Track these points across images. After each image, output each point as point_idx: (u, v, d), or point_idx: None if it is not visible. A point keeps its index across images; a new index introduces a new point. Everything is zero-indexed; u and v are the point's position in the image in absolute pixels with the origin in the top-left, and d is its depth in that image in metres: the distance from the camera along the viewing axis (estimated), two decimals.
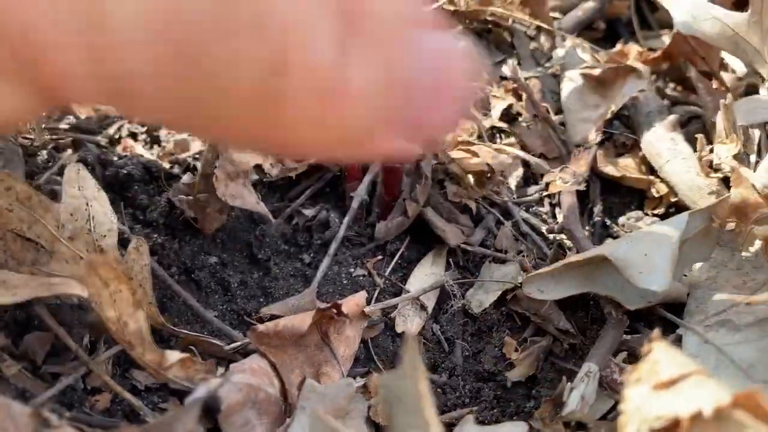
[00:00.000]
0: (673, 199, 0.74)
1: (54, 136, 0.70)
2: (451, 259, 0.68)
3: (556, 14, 0.98)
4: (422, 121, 0.30)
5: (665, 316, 0.61)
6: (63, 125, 0.74)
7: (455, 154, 0.74)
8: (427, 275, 0.66)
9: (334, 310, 0.56)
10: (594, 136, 0.77)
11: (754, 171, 0.68)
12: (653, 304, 0.60)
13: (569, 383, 0.53)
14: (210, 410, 0.46)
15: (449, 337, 0.63)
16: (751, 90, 0.84)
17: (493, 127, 0.80)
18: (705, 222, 0.61)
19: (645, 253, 0.57)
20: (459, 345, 0.62)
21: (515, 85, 0.82)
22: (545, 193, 0.75)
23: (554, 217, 0.74)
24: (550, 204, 0.75)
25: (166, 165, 0.70)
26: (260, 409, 0.48)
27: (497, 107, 0.80)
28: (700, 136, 0.73)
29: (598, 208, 0.75)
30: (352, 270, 0.65)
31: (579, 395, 0.51)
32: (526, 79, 0.84)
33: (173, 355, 0.51)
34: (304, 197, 0.71)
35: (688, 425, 0.33)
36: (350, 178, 0.70)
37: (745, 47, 0.75)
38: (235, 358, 0.55)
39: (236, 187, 0.64)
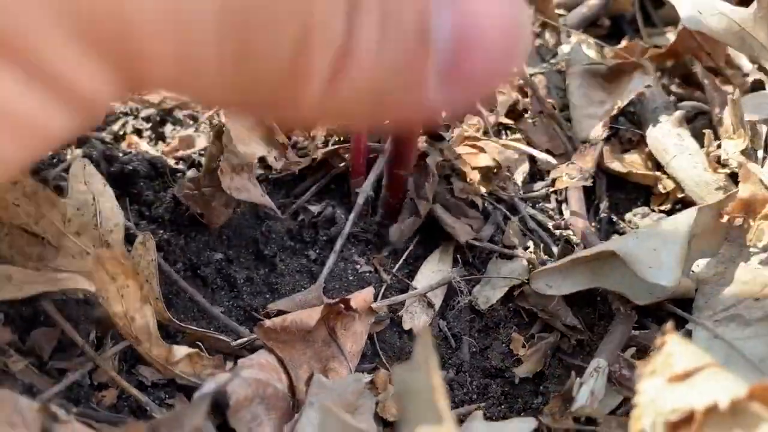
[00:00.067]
0: (679, 195, 0.74)
1: None
2: (458, 256, 0.68)
3: (561, 11, 0.97)
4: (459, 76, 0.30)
5: (674, 312, 0.61)
6: None
7: (461, 150, 0.73)
8: (434, 272, 0.66)
9: (342, 305, 0.55)
10: (600, 132, 0.77)
11: (762, 166, 0.68)
12: (661, 299, 0.60)
13: (578, 378, 0.53)
14: (218, 406, 0.46)
15: (456, 333, 0.63)
16: (757, 86, 0.84)
17: (499, 124, 0.79)
18: (713, 217, 0.61)
19: (654, 248, 0.56)
20: (466, 341, 0.62)
21: (521, 82, 0.82)
22: (552, 189, 0.74)
23: (561, 213, 0.74)
24: (557, 200, 0.74)
25: (171, 161, 0.70)
26: (268, 404, 0.48)
27: (503, 103, 0.80)
28: (707, 132, 0.73)
29: (604, 204, 0.75)
30: (359, 266, 0.65)
31: (588, 390, 0.51)
32: (531, 75, 0.83)
33: (181, 351, 0.51)
34: (310, 193, 0.71)
35: (704, 418, 0.33)
36: (355, 174, 0.69)
37: (751, 43, 0.75)
38: (241, 353, 0.55)
39: (241, 181, 0.63)
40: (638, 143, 0.79)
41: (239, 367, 0.49)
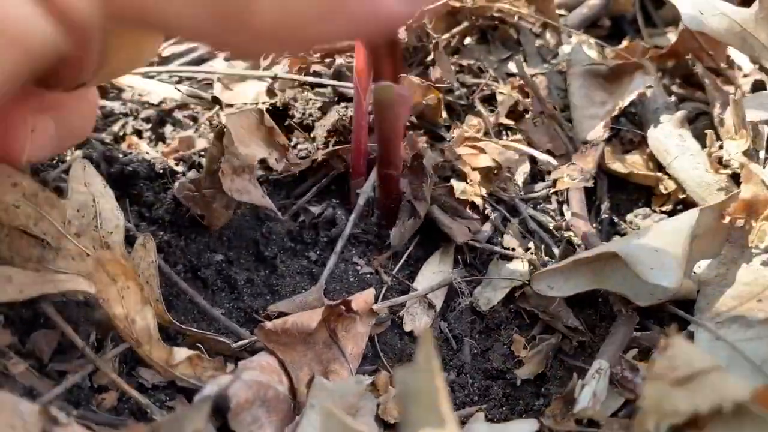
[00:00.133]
0: (681, 196, 0.74)
1: None
2: (458, 257, 0.67)
3: (562, 11, 0.97)
4: None
5: (675, 313, 0.60)
6: None
7: (461, 150, 0.73)
8: (434, 273, 0.66)
9: (343, 307, 0.55)
10: (601, 133, 0.76)
11: (764, 167, 0.68)
12: (663, 300, 0.59)
13: (580, 380, 0.53)
14: (219, 408, 0.45)
15: (457, 334, 0.63)
16: (758, 86, 0.84)
17: (499, 124, 0.79)
18: (715, 218, 0.61)
19: (655, 250, 0.56)
20: (467, 343, 0.62)
21: (522, 82, 0.82)
22: (552, 190, 0.74)
23: (562, 213, 0.73)
24: (558, 201, 0.74)
25: (171, 162, 0.70)
26: (269, 406, 0.48)
27: (504, 104, 0.80)
28: (709, 132, 0.73)
29: (605, 205, 0.75)
30: (360, 268, 0.65)
31: (590, 392, 0.51)
32: (532, 75, 0.83)
33: (181, 353, 0.50)
34: (310, 195, 0.71)
35: (708, 421, 0.32)
36: (355, 175, 0.69)
37: (752, 43, 0.74)
38: (242, 355, 0.55)
39: (242, 182, 0.63)
40: (639, 144, 0.79)
41: (240, 370, 0.48)
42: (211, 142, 0.63)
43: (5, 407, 0.40)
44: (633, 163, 0.77)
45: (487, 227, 0.70)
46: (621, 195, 0.77)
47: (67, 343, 0.51)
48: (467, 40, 0.89)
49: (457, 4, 0.84)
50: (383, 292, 0.64)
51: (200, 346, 0.54)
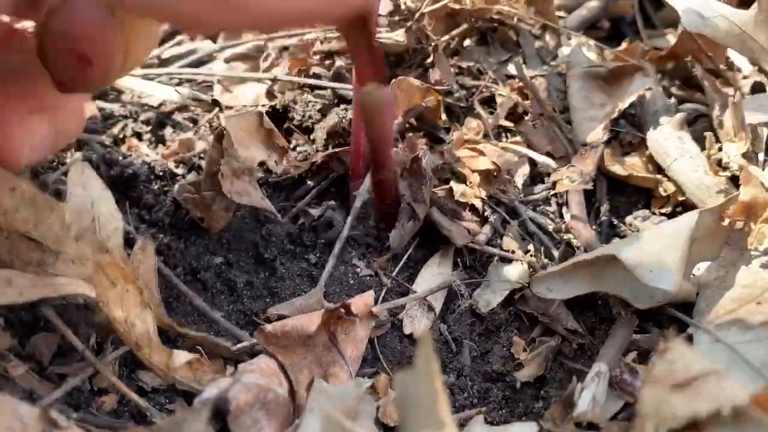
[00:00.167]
0: (680, 198, 0.74)
1: None
2: (458, 259, 0.67)
3: (561, 13, 0.97)
4: None
5: (675, 316, 0.60)
6: None
7: (461, 153, 0.73)
8: (434, 275, 0.66)
9: (343, 310, 0.55)
10: (600, 135, 0.76)
11: (763, 169, 0.68)
12: (662, 303, 0.59)
13: (579, 383, 0.53)
14: (219, 411, 0.45)
15: (457, 337, 0.63)
16: (757, 88, 0.84)
17: (499, 126, 0.79)
18: (714, 221, 0.61)
19: (655, 253, 0.56)
20: (467, 345, 0.62)
21: (521, 84, 0.82)
22: (552, 192, 0.74)
23: (561, 216, 0.73)
24: (557, 203, 0.74)
25: (171, 164, 0.70)
26: (269, 409, 0.48)
27: (503, 106, 0.80)
28: (708, 135, 0.73)
29: (604, 207, 0.75)
30: (359, 270, 0.65)
31: (590, 396, 0.51)
32: (531, 77, 0.83)
33: (181, 357, 0.50)
34: (310, 197, 0.71)
35: (707, 425, 0.32)
36: (354, 177, 0.69)
37: (751, 45, 0.74)
38: (242, 358, 0.55)
39: (242, 184, 0.63)
40: (639, 146, 0.79)
41: (240, 373, 0.48)
42: (211, 145, 0.63)
43: (5, 410, 0.40)
44: (632, 165, 0.77)
45: (486, 229, 0.70)
46: (620, 197, 0.77)
47: (67, 346, 0.51)
48: (466, 42, 0.89)
49: (457, 6, 0.84)
50: (383, 294, 0.64)
51: (200, 349, 0.54)
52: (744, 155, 0.69)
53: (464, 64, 0.85)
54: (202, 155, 0.71)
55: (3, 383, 0.47)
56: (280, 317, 0.57)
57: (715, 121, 0.78)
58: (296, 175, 0.72)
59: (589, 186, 0.73)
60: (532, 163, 0.76)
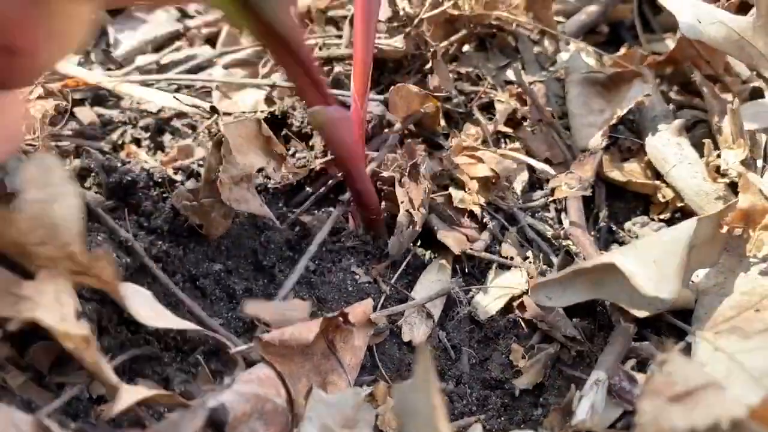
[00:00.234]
0: (679, 205, 0.74)
1: (57, 143, 0.69)
2: (457, 266, 0.67)
3: (560, 18, 0.97)
4: None
5: (673, 323, 0.61)
6: (66, 131, 0.73)
7: (460, 159, 0.73)
8: (432, 282, 0.66)
9: (341, 318, 0.55)
10: (599, 141, 0.76)
11: (762, 176, 0.68)
12: (661, 310, 0.59)
13: (578, 391, 0.53)
14: (216, 421, 0.45)
15: (456, 344, 0.63)
16: (756, 94, 0.84)
17: (497, 132, 0.79)
18: (713, 228, 0.61)
19: (653, 261, 0.56)
20: (465, 352, 0.62)
21: (519, 90, 0.82)
22: (551, 199, 0.74)
23: (560, 222, 0.73)
24: (556, 209, 0.74)
25: (170, 171, 0.70)
26: (267, 420, 0.48)
27: (502, 112, 0.80)
28: (707, 142, 0.73)
29: (603, 214, 0.75)
30: (358, 277, 0.65)
31: (588, 404, 0.51)
32: (530, 83, 0.83)
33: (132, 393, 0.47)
34: (309, 203, 0.71)
35: None
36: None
37: (750, 51, 0.74)
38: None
39: (240, 191, 0.63)
40: (637, 152, 0.79)
41: (237, 382, 0.48)
42: (210, 151, 0.63)
43: (0, 419, 0.40)
44: (631, 172, 0.77)
45: (485, 236, 0.70)
46: (619, 203, 0.77)
47: (66, 355, 0.51)
48: (465, 48, 0.89)
49: (455, 12, 0.84)
50: (381, 301, 0.64)
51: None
52: (743, 162, 0.69)
53: (463, 70, 0.85)
54: (200, 162, 0.71)
55: (2, 393, 0.47)
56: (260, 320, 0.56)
57: (714, 127, 0.78)
58: (295, 182, 0.72)
59: (588, 192, 0.73)
60: (531, 169, 0.76)
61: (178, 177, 0.70)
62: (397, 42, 0.81)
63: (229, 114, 0.78)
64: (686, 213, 0.73)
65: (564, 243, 0.70)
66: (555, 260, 0.68)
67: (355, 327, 0.57)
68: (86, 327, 0.46)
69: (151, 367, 0.54)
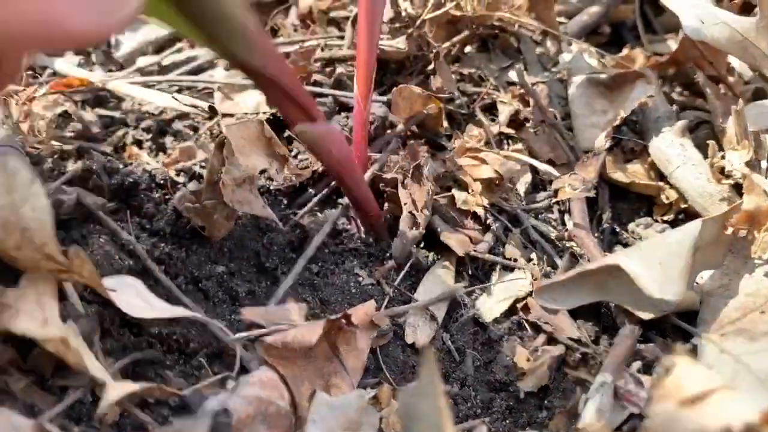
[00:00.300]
0: (683, 206, 0.74)
1: (59, 144, 0.69)
2: (460, 268, 0.67)
3: (562, 19, 0.97)
4: None
5: (679, 325, 0.60)
6: (68, 133, 0.73)
7: (463, 161, 0.73)
8: (436, 284, 0.65)
9: (344, 321, 0.55)
10: (603, 142, 0.76)
11: (766, 178, 0.67)
12: (666, 312, 0.59)
13: (584, 395, 0.53)
14: (219, 425, 0.45)
15: (460, 346, 0.62)
16: (759, 94, 0.84)
17: (500, 133, 0.79)
18: (718, 229, 0.60)
19: (658, 262, 0.56)
20: (470, 355, 0.62)
21: (522, 91, 0.82)
22: (554, 200, 0.74)
23: (564, 224, 0.73)
24: (560, 211, 0.74)
25: (172, 173, 0.69)
26: (270, 423, 0.47)
27: (505, 113, 0.80)
28: (711, 143, 0.73)
29: (607, 215, 0.74)
30: (361, 279, 0.65)
31: (594, 407, 0.50)
32: (533, 84, 0.83)
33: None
34: (311, 205, 0.70)
35: None
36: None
37: (753, 52, 0.74)
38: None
39: (243, 193, 0.63)
40: (641, 153, 0.79)
41: (241, 385, 0.48)
42: (212, 153, 0.62)
43: (1, 423, 0.40)
44: (634, 173, 0.76)
45: (488, 238, 0.69)
46: (622, 204, 0.77)
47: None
48: (468, 49, 0.89)
49: (458, 13, 0.84)
50: (385, 303, 0.63)
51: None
52: (747, 163, 0.69)
53: (465, 71, 0.85)
54: (203, 164, 0.71)
55: (4, 397, 0.46)
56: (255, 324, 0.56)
57: (718, 128, 0.77)
58: (297, 183, 0.71)
59: (591, 193, 0.73)
60: (534, 170, 0.76)
61: (180, 179, 0.70)
62: (400, 43, 0.81)
63: (231, 115, 0.77)
64: (690, 214, 0.73)
65: (568, 244, 0.70)
66: (559, 262, 0.68)
67: (358, 329, 0.56)
68: (65, 328, 0.46)
69: (154, 370, 0.54)
